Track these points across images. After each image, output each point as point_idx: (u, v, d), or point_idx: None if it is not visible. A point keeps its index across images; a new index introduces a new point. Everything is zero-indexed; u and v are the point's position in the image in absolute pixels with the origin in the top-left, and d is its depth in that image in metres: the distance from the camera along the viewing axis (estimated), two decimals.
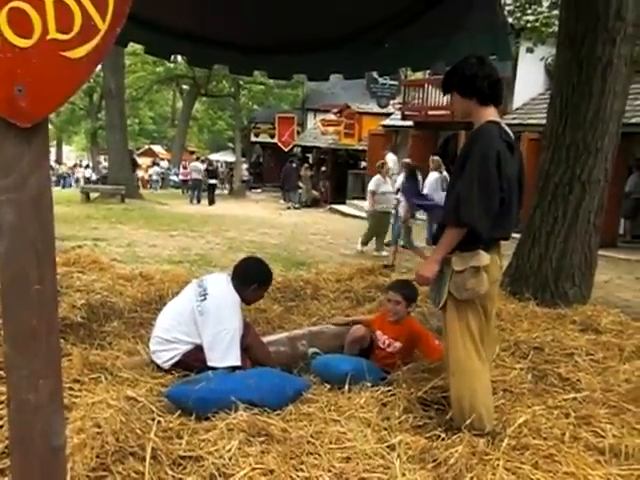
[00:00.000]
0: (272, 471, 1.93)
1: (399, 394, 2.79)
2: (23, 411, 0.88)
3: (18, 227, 0.86)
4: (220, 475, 1.92)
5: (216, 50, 4.17)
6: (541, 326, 4.25)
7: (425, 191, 9.92)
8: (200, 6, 3.65)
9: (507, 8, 10.50)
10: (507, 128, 2.54)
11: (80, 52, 0.80)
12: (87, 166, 29.60)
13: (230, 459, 1.99)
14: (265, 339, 3.38)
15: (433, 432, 2.51)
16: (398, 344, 3.31)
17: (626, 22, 4.71)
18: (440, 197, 10.09)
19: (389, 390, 2.82)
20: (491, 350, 2.88)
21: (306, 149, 24.28)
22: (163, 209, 15.66)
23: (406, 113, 16.95)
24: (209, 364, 2.83)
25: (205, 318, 2.90)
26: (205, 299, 2.95)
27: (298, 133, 24.63)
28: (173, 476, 1.91)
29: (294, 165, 20.16)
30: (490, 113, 2.52)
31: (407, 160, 10.30)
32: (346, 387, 2.79)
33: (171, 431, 2.26)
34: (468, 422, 2.49)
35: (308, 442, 2.19)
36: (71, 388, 2.49)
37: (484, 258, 2.45)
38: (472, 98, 2.53)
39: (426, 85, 16.14)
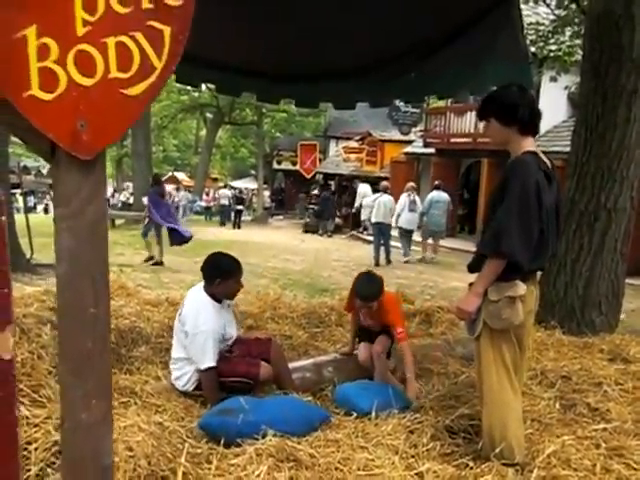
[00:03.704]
0: None
1: (426, 422, 2.77)
2: (76, 430, 0.91)
3: (76, 253, 0.91)
4: None
5: (244, 79, 4.28)
6: (568, 355, 4.19)
7: (397, 210, 11.58)
8: (228, 36, 3.76)
9: (530, 38, 10.60)
10: (545, 158, 2.53)
11: (138, 89, 0.86)
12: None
13: None
14: (291, 365, 3.41)
15: (461, 460, 2.49)
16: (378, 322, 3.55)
17: None
18: (407, 217, 11.53)
19: (416, 417, 2.81)
20: (522, 381, 2.84)
21: (328, 176, 24.46)
22: None
23: (428, 140, 17.05)
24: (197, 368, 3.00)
25: (185, 328, 3.06)
26: (182, 313, 3.14)
27: (320, 160, 24.85)
28: None
29: (331, 193, 20.24)
30: (529, 143, 2.51)
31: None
32: (373, 414, 2.78)
33: (200, 456, 2.28)
34: (498, 451, 2.46)
35: (336, 468, 2.19)
36: None
37: (520, 288, 2.43)
38: (512, 127, 2.50)
39: (448, 113, 16.25)
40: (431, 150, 16.91)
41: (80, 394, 0.93)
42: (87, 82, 0.84)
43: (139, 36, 0.83)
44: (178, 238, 9.09)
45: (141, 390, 2.92)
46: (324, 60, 4.02)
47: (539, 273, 2.67)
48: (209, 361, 2.96)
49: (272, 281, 8.06)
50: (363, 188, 17.52)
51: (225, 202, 21.93)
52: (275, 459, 2.18)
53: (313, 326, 4.63)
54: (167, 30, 0.85)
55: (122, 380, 3.01)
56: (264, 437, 2.35)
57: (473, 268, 2.60)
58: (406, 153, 18.61)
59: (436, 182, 12.53)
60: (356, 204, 17.43)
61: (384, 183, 12.48)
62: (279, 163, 29.31)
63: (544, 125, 13.89)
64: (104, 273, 0.95)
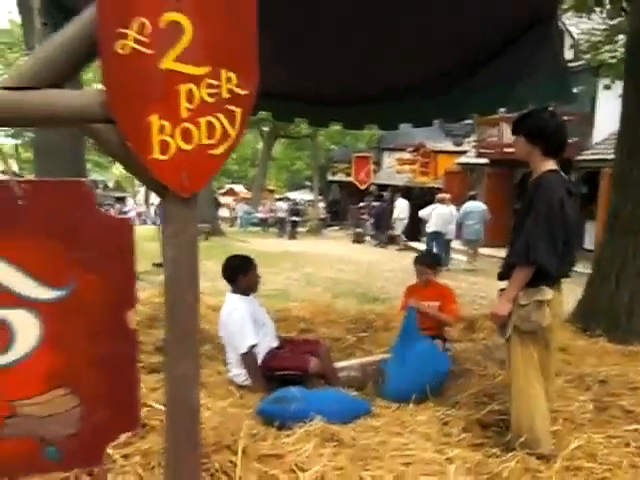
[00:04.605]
0: (342, 468, 2.29)
1: (459, 414, 3.04)
2: (175, 381, 1.33)
3: (177, 261, 1.32)
4: (298, 469, 2.29)
5: (297, 105, 4.67)
6: (609, 362, 4.27)
7: (440, 223, 11.93)
8: (282, 67, 4.13)
9: (582, 46, 10.59)
10: (564, 175, 2.80)
11: (220, 150, 1.27)
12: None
13: (307, 457, 2.37)
14: (338, 364, 3.76)
15: (490, 450, 2.71)
16: (436, 303, 3.89)
17: None
18: (451, 229, 12.09)
19: (450, 411, 3.09)
20: (552, 381, 3.07)
21: (382, 187, 24.72)
22: (243, 246, 16.35)
23: (481, 151, 17.05)
24: (239, 353, 3.42)
25: (226, 322, 3.54)
26: (221, 317, 3.65)
27: (374, 172, 25.14)
28: (259, 468, 2.29)
29: (387, 204, 20.43)
30: (550, 163, 2.77)
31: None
32: (410, 405, 3.10)
33: (257, 436, 2.65)
34: (524, 441, 2.67)
35: (373, 449, 2.52)
36: None
37: (547, 293, 2.69)
38: (537, 147, 2.76)
39: (501, 123, 16.21)
40: (484, 160, 16.91)
41: (179, 356, 1.33)
42: (187, 147, 1.25)
43: (220, 116, 1.24)
44: None
45: (206, 382, 3.35)
46: (368, 84, 4.31)
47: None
48: (249, 340, 3.39)
49: (325, 290, 8.40)
50: (401, 203, 17.67)
51: (282, 214, 22.80)
52: (320, 439, 2.54)
53: (360, 330, 4.94)
54: (238, 111, 1.25)
55: None
56: (311, 420, 2.71)
57: (502, 276, 2.89)
58: (459, 164, 18.67)
59: (470, 193, 13.28)
60: (394, 216, 17.57)
61: (440, 195, 12.84)
62: (334, 174, 29.80)
63: (602, 133, 13.70)
64: (196, 275, 1.36)
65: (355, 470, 2.30)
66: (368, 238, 19.49)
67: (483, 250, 13.13)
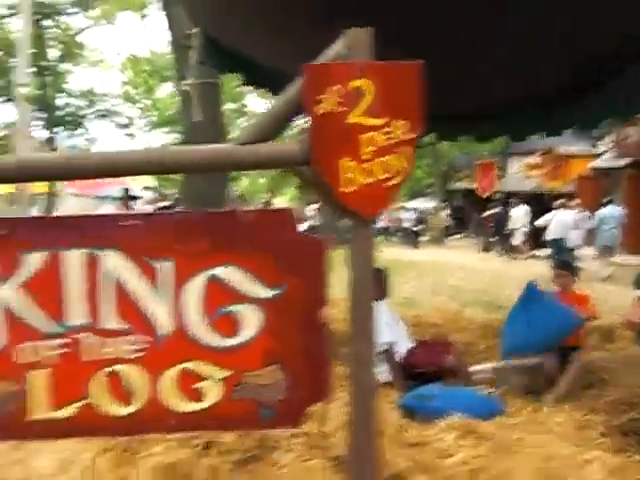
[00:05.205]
0: (483, 456, 2.51)
1: (596, 420, 3.11)
2: (357, 361, 1.70)
3: (359, 267, 1.71)
4: (444, 456, 2.55)
5: (427, 122, 4.92)
6: None
7: (559, 230, 11.54)
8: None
9: None
10: None
11: (394, 182, 1.63)
12: None
13: (449, 446, 2.62)
14: (473, 368, 3.96)
15: (632, 457, 2.75)
16: (576, 307, 3.96)
17: None
18: (574, 235, 11.55)
19: (587, 415, 3.17)
20: None
21: (509, 194, 23.90)
22: (378, 255, 16.66)
23: (620, 152, 16.04)
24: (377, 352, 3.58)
25: None
26: None
27: (499, 178, 24.38)
28: (407, 453, 2.59)
29: (505, 212, 19.88)
30: None
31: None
32: (544, 409, 3.22)
33: (402, 427, 2.95)
34: None
35: (511, 444, 2.70)
36: None
37: None
38: None
39: None
40: (622, 162, 15.88)
41: (359, 339, 1.71)
42: (369, 181, 1.61)
43: (394, 155, 1.60)
44: None
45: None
46: (500, 96, 4.42)
47: None
48: (385, 337, 3.64)
49: (450, 298, 8.48)
50: (518, 212, 16.95)
51: (406, 224, 23.07)
52: (461, 431, 2.77)
53: (491, 337, 5.05)
54: (408, 150, 1.62)
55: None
56: (450, 416, 2.96)
57: (639, 284, 2.96)
58: (593, 168, 17.68)
59: (607, 198, 13.02)
60: (511, 226, 16.90)
61: (557, 201, 12.65)
62: (456, 182, 29.33)
63: None
64: (370, 278, 1.72)
65: (495, 459, 2.52)
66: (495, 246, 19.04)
67: (622, 257, 12.45)
